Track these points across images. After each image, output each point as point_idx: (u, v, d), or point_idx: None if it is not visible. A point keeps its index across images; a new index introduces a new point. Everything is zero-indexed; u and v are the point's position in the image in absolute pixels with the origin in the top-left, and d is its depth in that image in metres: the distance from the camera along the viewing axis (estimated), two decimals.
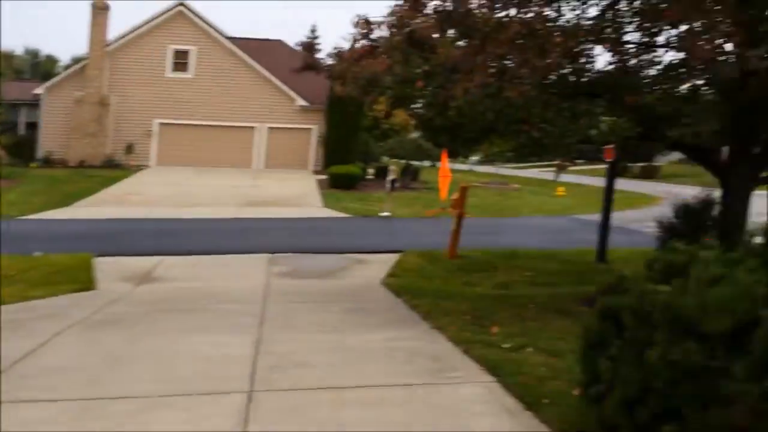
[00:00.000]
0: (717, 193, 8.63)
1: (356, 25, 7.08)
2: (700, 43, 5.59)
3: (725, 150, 8.38)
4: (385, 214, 18.07)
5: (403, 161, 32.68)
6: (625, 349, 3.54)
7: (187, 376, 5.22)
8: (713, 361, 3.02)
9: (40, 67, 63.89)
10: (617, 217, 14.24)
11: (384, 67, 6.81)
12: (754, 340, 2.87)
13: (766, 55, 5.64)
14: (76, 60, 43.50)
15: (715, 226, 8.11)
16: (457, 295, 8.47)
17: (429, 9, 6.83)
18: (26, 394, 4.75)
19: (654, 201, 21.52)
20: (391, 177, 19.75)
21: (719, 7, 5.53)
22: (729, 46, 5.98)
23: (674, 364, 3.13)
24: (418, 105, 8.22)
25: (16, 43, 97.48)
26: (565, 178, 33.31)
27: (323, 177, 26.55)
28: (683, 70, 6.87)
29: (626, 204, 20.04)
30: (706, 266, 3.07)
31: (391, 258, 11.29)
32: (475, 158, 49.85)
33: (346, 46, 8.00)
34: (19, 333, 6.39)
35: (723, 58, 5.83)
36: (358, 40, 7.28)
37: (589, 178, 31.35)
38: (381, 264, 10.79)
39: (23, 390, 4.82)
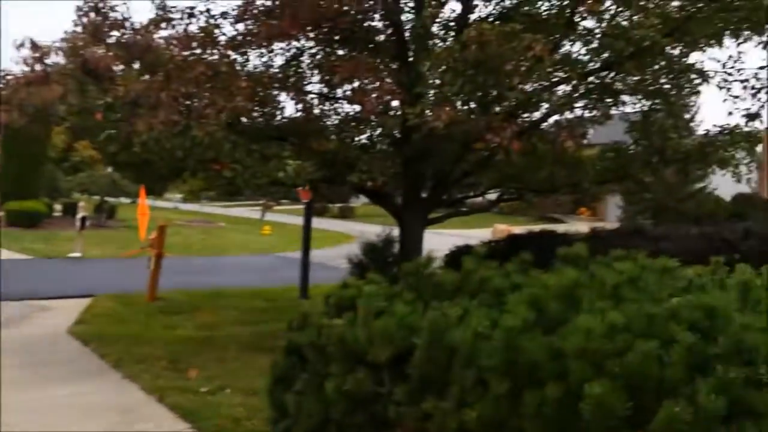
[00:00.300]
0: (396, 232, 9.63)
1: (20, 47, 6.42)
2: (369, 98, 6.29)
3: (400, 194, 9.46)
4: (75, 255, 16.48)
5: (98, 197, 30.10)
6: (308, 383, 3.73)
7: None
8: (381, 387, 3.35)
9: None
10: (318, 254, 14.98)
11: (57, 95, 6.28)
12: (411, 366, 3.25)
13: (425, 113, 6.52)
14: None
15: (395, 262, 9.04)
16: (155, 340, 8.09)
17: (112, 39, 6.52)
18: None
19: (349, 239, 23.14)
20: (81, 214, 18.02)
21: (384, 69, 6.30)
22: (395, 103, 6.83)
23: (348, 393, 3.39)
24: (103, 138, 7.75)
25: None
26: (271, 217, 33.97)
27: None
28: (359, 121, 7.64)
29: (325, 242, 21.27)
30: (370, 300, 3.41)
31: (81, 303, 10.35)
32: (179, 196, 48.30)
33: (16, 69, 7.23)
34: None
35: (392, 113, 6.64)
36: (31, 64, 6.60)
37: (294, 217, 32.54)
38: (68, 311, 9.80)
39: None
